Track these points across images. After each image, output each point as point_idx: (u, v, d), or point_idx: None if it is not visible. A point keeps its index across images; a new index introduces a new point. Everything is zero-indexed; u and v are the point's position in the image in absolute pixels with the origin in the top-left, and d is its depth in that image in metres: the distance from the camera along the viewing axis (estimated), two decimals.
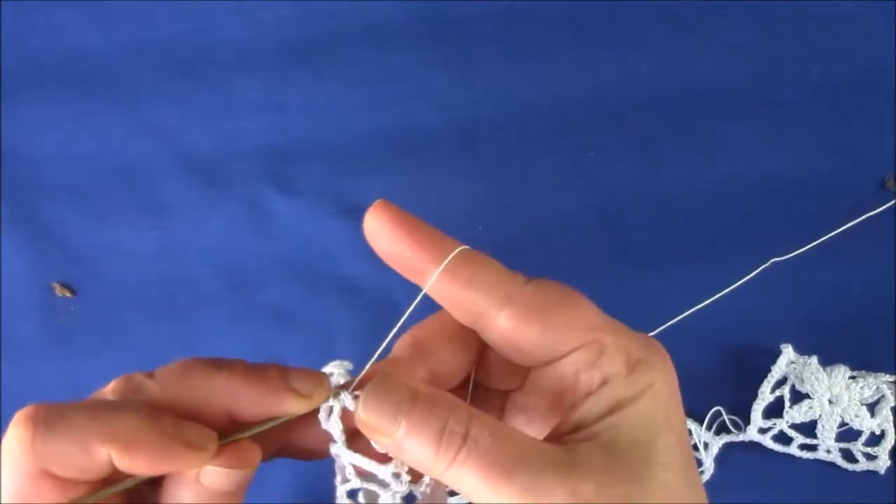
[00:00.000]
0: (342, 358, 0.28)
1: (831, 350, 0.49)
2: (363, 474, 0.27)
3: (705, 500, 0.26)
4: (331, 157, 0.53)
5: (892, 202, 0.51)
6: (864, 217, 0.51)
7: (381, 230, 0.27)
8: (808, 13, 0.55)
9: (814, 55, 0.54)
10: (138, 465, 0.24)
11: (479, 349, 0.29)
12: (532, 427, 0.29)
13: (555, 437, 0.26)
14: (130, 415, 0.24)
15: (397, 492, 0.27)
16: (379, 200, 0.27)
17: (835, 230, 0.51)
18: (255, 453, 0.26)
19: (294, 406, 0.26)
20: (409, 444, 0.24)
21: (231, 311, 0.51)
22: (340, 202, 0.52)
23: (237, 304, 0.51)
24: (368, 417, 0.25)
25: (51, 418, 0.24)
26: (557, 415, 0.27)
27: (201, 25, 0.54)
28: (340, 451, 0.27)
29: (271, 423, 0.26)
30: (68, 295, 0.51)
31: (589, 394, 0.26)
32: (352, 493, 0.28)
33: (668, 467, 0.25)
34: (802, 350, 0.48)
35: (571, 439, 0.25)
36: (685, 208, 0.52)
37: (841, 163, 0.53)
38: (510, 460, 0.23)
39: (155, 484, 0.26)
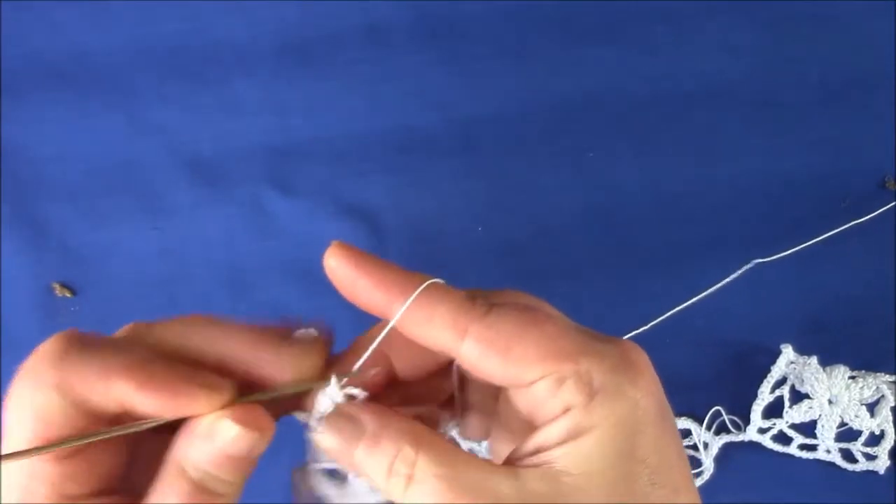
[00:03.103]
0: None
1: (831, 350, 0.49)
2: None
3: None
4: (331, 157, 0.53)
5: (892, 204, 0.51)
6: (861, 220, 0.51)
7: (339, 271, 0.27)
8: (808, 13, 0.55)
9: (814, 55, 0.54)
10: (152, 403, 0.25)
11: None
12: (522, 423, 0.29)
13: (516, 456, 0.26)
14: (150, 355, 0.26)
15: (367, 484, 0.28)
16: (335, 242, 0.27)
17: (833, 230, 0.51)
18: (270, 422, 0.27)
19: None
20: (363, 473, 0.26)
21: (231, 311, 0.51)
22: (340, 202, 0.52)
23: (237, 304, 0.51)
24: (325, 450, 0.27)
25: (81, 346, 0.25)
26: (528, 425, 0.27)
27: (201, 25, 0.54)
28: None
29: (260, 397, 0.27)
30: (68, 295, 0.51)
31: (553, 419, 0.25)
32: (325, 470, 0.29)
33: (623, 498, 0.24)
34: (803, 350, 0.48)
35: (528, 462, 0.25)
36: (685, 208, 0.52)
37: (841, 163, 0.53)
38: (455, 498, 0.24)
39: (165, 441, 0.27)
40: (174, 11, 0.54)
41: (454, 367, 0.30)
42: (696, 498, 0.27)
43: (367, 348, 0.29)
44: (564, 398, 0.25)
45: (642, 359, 0.27)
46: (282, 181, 0.52)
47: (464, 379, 0.31)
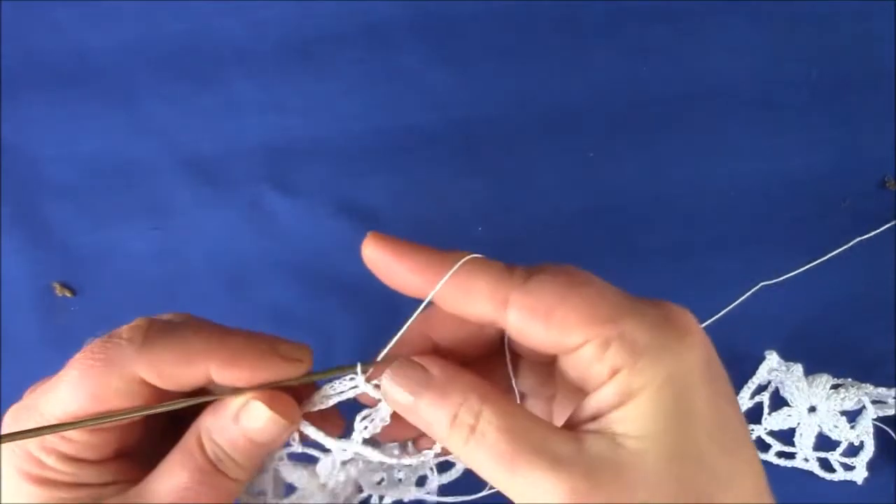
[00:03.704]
0: (342, 356, 0.29)
1: (822, 356, 0.48)
2: (305, 440, 0.29)
3: (742, 488, 0.25)
4: (331, 157, 0.53)
5: (892, 224, 0.51)
6: (867, 236, 0.51)
7: (377, 260, 0.28)
8: (808, 13, 0.55)
9: (814, 55, 0.54)
10: (238, 377, 0.26)
11: (498, 329, 0.30)
12: (579, 394, 0.29)
13: (574, 422, 0.26)
14: (230, 332, 0.27)
15: (337, 458, 0.29)
16: (370, 233, 0.28)
17: (832, 230, 0.51)
18: (297, 412, 0.28)
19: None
20: (424, 420, 0.26)
21: (231, 310, 0.51)
22: (340, 202, 0.52)
23: (237, 304, 0.51)
24: (389, 399, 0.27)
25: (160, 331, 0.26)
26: (582, 394, 0.28)
27: (201, 25, 0.54)
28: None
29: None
30: (68, 295, 0.51)
31: (602, 383, 0.26)
32: (291, 455, 0.30)
33: (685, 458, 0.24)
34: (793, 355, 0.48)
35: (586, 428, 0.26)
36: (685, 208, 0.52)
37: (841, 163, 0.53)
38: (514, 453, 0.24)
39: (188, 420, 0.28)
40: (174, 11, 0.54)
41: (505, 344, 0.30)
42: (755, 454, 0.26)
43: (406, 339, 0.29)
44: (611, 361, 0.25)
45: (686, 317, 0.27)
46: (282, 181, 0.52)
47: (515, 361, 0.31)
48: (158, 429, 0.30)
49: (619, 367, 0.25)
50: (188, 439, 0.27)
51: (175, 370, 0.26)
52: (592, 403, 0.26)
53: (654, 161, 0.53)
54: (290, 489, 0.31)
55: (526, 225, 0.52)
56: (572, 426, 0.26)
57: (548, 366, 0.30)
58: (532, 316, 0.26)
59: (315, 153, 0.53)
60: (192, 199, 0.52)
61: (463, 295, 0.27)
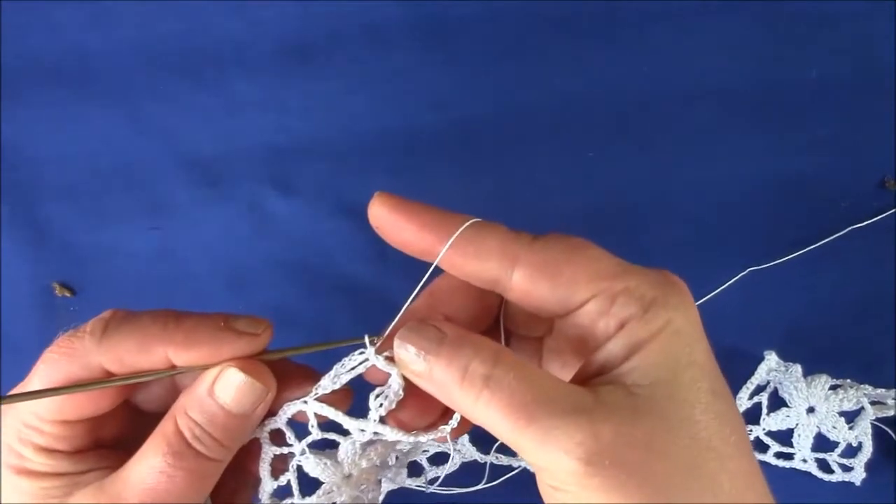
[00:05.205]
0: (341, 355, 0.29)
1: (821, 356, 0.49)
2: (323, 421, 0.29)
3: (740, 434, 0.25)
4: (331, 157, 0.53)
5: (892, 212, 0.51)
6: (859, 225, 0.51)
7: (384, 219, 0.28)
8: (808, 13, 0.55)
9: (814, 55, 0.54)
10: (195, 357, 0.27)
11: (499, 300, 0.30)
12: (567, 370, 0.30)
13: (581, 379, 0.27)
14: (186, 315, 0.27)
15: (357, 440, 0.29)
16: (378, 192, 0.28)
17: (831, 230, 0.51)
18: (272, 379, 0.28)
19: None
20: (436, 380, 0.26)
21: (231, 311, 0.50)
22: (340, 202, 0.52)
23: (237, 304, 0.51)
24: (400, 356, 0.27)
25: (120, 321, 0.27)
26: (583, 359, 0.28)
27: (201, 25, 0.54)
28: (311, 405, 0.29)
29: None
30: (68, 295, 0.51)
31: (608, 338, 0.26)
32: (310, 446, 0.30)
33: (693, 404, 0.25)
34: (794, 355, 0.48)
35: (596, 381, 0.26)
36: (684, 208, 0.52)
37: (841, 163, 0.53)
38: (533, 402, 0.24)
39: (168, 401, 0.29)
40: (174, 11, 0.54)
41: (501, 312, 0.31)
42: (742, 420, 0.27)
43: (414, 313, 0.29)
44: (619, 314, 0.26)
45: (680, 279, 0.27)
46: (282, 181, 0.52)
47: (505, 339, 0.31)
48: (146, 422, 0.30)
49: (627, 318, 0.26)
50: (164, 423, 0.28)
51: (134, 357, 0.27)
52: (600, 358, 0.26)
53: (654, 161, 0.53)
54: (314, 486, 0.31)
55: (526, 224, 0.51)
56: (582, 379, 0.27)
57: (535, 342, 0.31)
58: (540, 273, 0.26)
59: (315, 153, 0.53)
60: (192, 199, 0.52)
61: (473, 254, 0.27)
